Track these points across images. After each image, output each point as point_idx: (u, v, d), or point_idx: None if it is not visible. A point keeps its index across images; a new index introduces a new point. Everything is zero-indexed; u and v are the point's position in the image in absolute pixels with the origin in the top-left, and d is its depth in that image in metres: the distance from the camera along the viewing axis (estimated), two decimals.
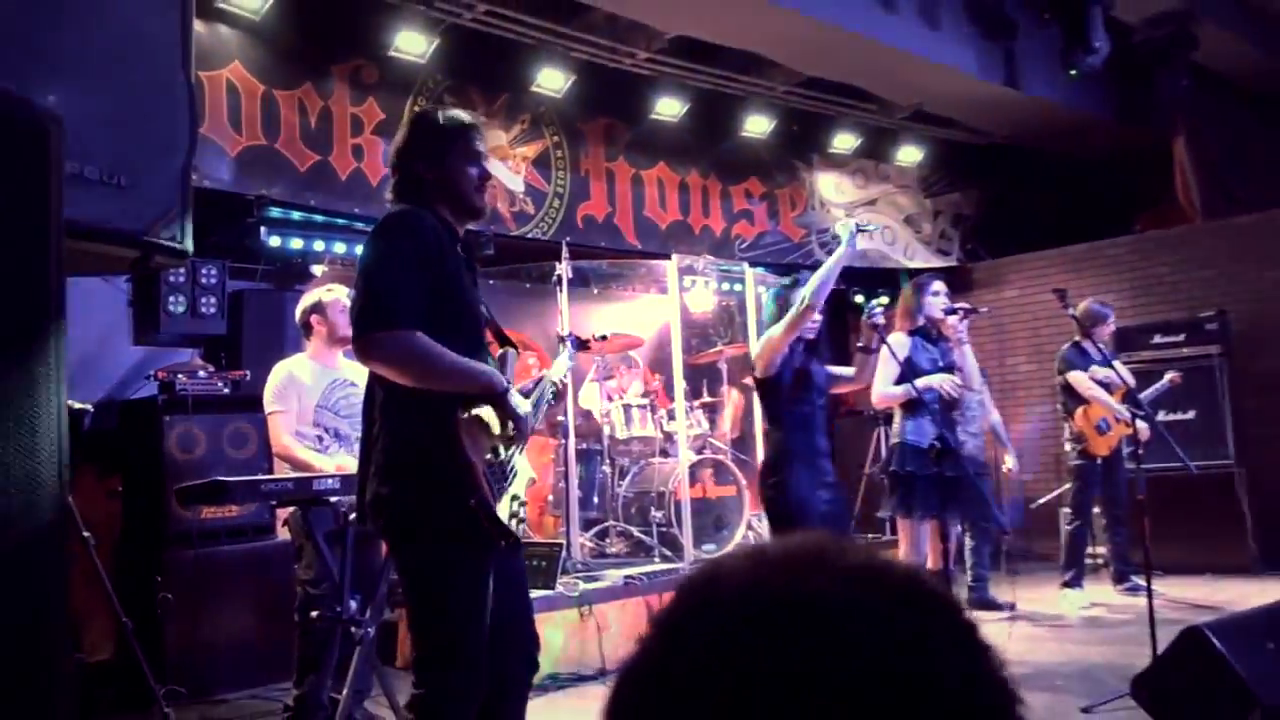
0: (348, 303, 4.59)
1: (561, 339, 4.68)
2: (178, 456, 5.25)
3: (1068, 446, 7.09)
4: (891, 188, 9.58)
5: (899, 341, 4.83)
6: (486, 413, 2.63)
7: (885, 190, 9.55)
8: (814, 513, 4.26)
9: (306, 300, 4.71)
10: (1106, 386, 6.90)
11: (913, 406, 4.78)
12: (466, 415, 2.58)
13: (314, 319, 4.63)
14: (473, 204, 2.81)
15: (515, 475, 2.80)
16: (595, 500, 7.28)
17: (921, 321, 5.04)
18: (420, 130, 2.79)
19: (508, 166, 7.42)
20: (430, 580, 2.58)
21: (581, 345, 4.08)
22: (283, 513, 4.94)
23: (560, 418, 6.74)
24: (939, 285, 5.18)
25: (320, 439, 4.54)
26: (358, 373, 4.63)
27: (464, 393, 2.61)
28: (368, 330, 2.47)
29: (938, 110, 8.74)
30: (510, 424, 2.66)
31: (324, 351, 4.64)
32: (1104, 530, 7.33)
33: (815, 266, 8.98)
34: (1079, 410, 6.91)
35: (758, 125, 8.49)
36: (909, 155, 9.47)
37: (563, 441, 6.74)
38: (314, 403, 4.55)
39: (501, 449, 2.70)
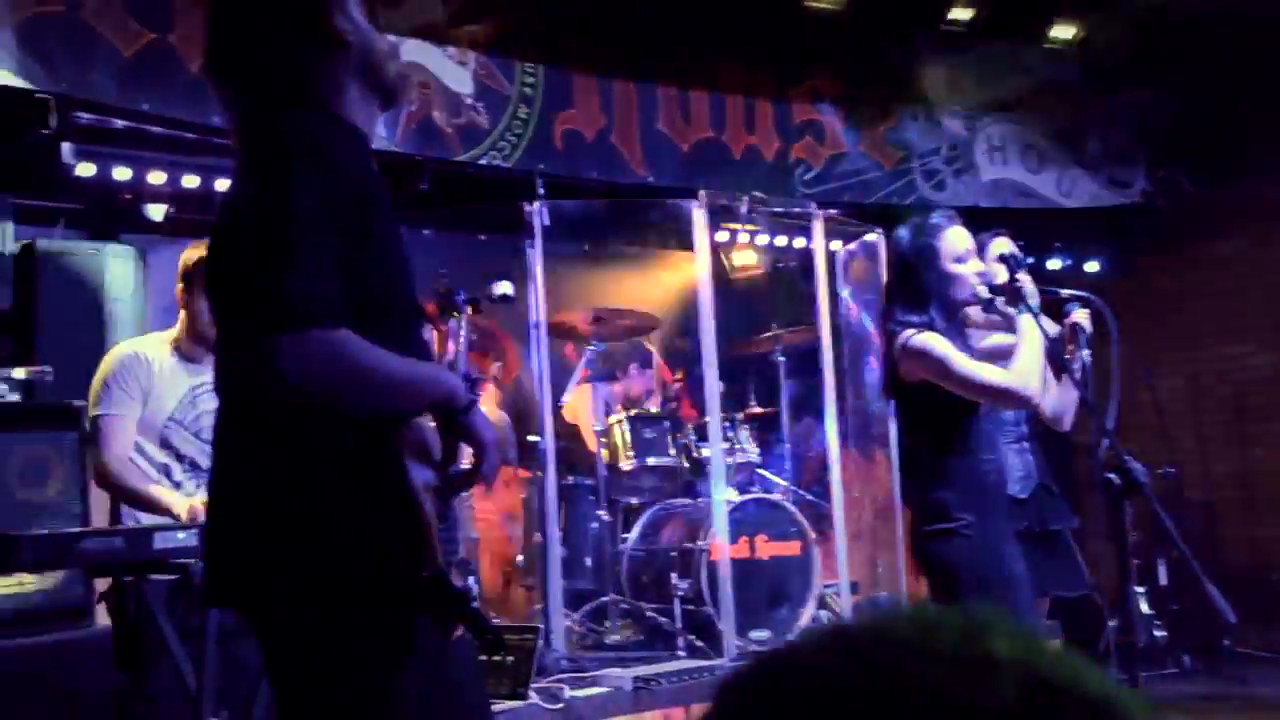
0: None
1: (447, 298, 4.55)
2: None
3: None
4: (1040, 83, 9.44)
5: None
6: (431, 435, 2.59)
7: (1029, 87, 9.42)
8: (1013, 577, 4.38)
9: (183, 257, 4.74)
10: None
11: None
12: (410, 438, 2.53)
13: (179, 291, 4.70)
14: (392, 79, 2.76)
15: (460, 529, 2.76)
16: (588, 563, 7.33)
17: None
18: None
19: (447, 55, 7.30)
20: (326, 697, 2.51)
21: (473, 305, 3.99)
22: (102, 583, 4.87)
23: (533, 437, 6.64)
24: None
25: (167, 469, 4.57)
26: None
27: (406, 414, 2.55)
28: (265, 333, 2.33)
29: None
30: (464, 453, 2.63)
31: (188, 339, 4.69)
32: None
33: (919, 206, 9.00)
34: None
35: None
36: (1068, 30, 9.34)
37: (538, 474, 6.69)
38: (168, 412, 4.57)
39: (447, 491, 2.68)
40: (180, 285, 4.65)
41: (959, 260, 4.46)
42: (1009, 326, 4.73)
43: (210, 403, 4.55)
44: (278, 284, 2.33)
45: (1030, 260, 4.72)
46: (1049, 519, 4.88)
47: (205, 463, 4.51)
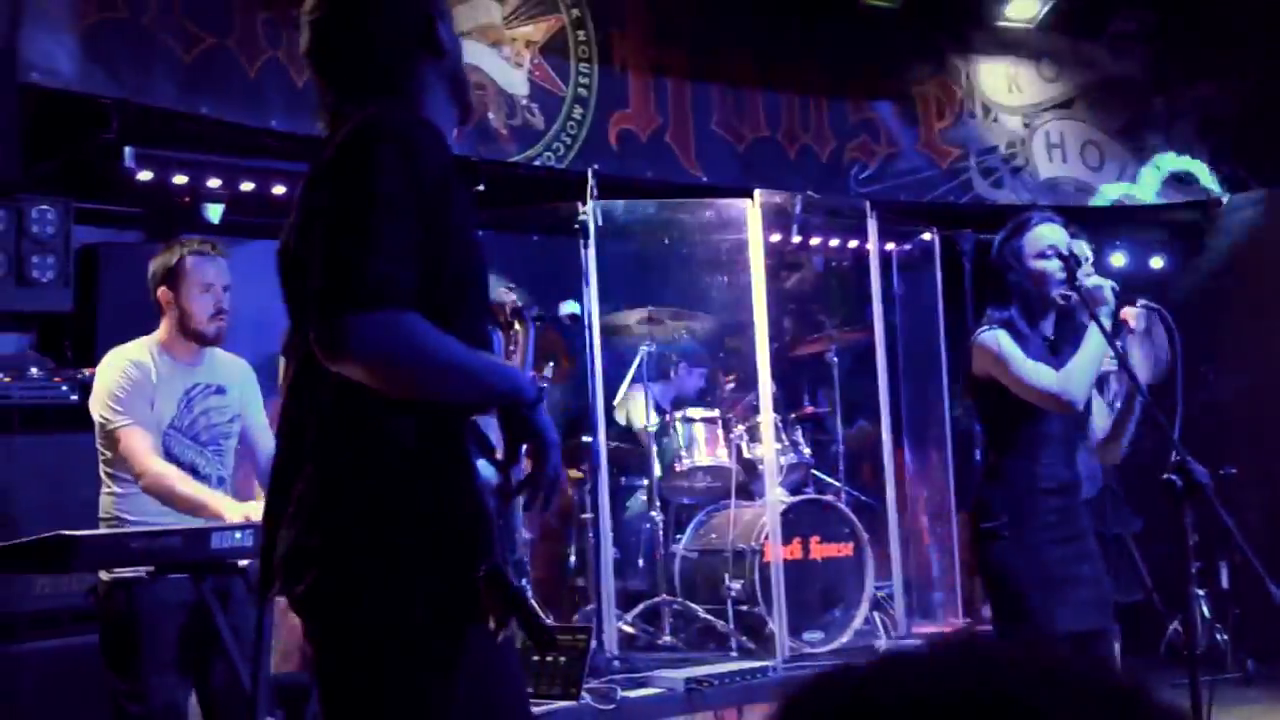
0: (219, 278, 4.66)
1: (517, 312, 4.60)
2: None
3: None
4: (1100, 78, 9.37)
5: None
6: (495, 435, 2.62)
7: (1089, 83, 9.36)
8: (1059, 578, 4.39)
9: (159, 257, 4.73)
10: None
11: None
12: (474, 435, 2.57)
13: (161, 293, 4.65)
14: (470, 94, 2.90)
15: (518, 530, 2.78)
16: (639, 564, 7.36)
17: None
18: None
19: (503, 56, 7.34)
20: (372, 695, 2.54)
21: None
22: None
23: (585, 438, 6.66)
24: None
25: None
26: (228, 371, 4.62)
27: (472, 403, 2.59)
28: (337, 312, 2.40)
29: None
30: (525, 452, 2.63)
31: (178, 341, 4.67)
32: None
33: (975, 206, 8.98)
34: None
35: None
36: (1129, 24, 9.22)
37: (590, 475, 6.68)
38: (167, 420, 4.58)
39: (508, 493, 2.70)
40: (163, 287, 4.61)
41: (1042, 256, 4.45)
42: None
43: (205, 402, 4.63)
44: (357, 264, 2.39)
45: (1088, 257, 4.71)
46: (1111, 522, 4.87)
47: (205, 468, 4.57)
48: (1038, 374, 4.38)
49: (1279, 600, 4.46)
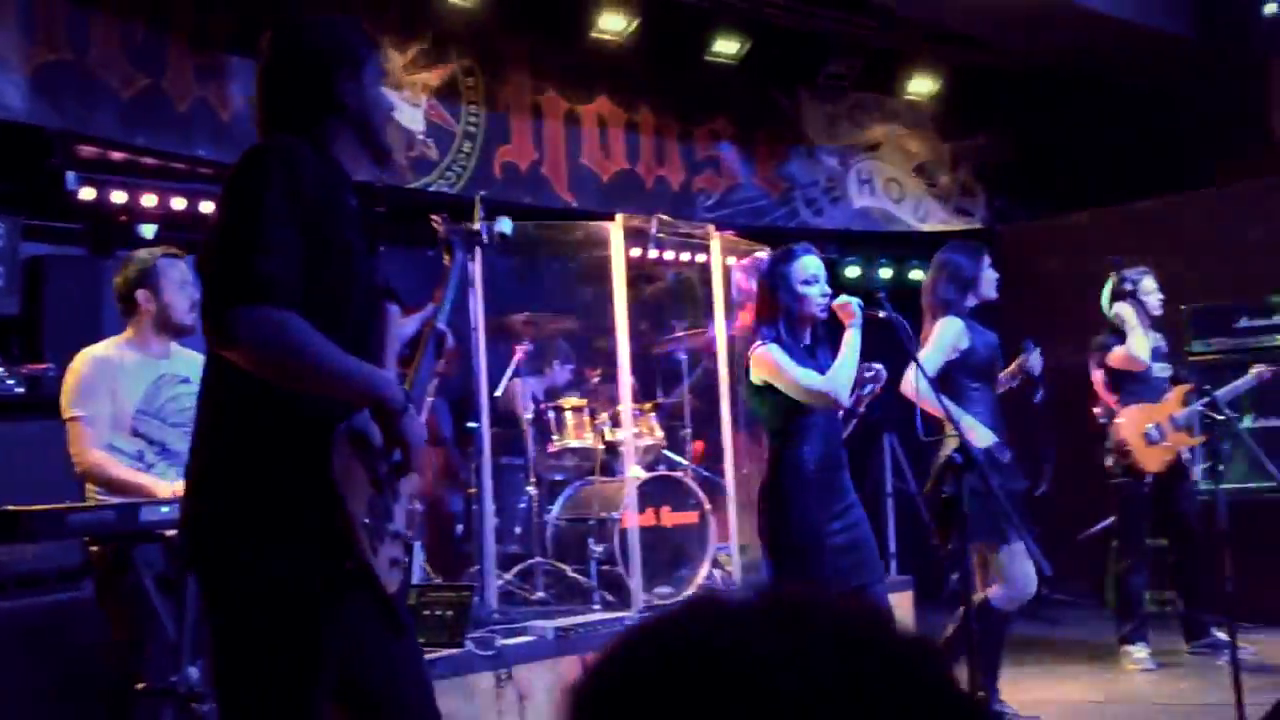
0: (189, 275, 4.55)
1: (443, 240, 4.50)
2: None
3: (1109, 461, 7.04)
4: (900, 128, 9.59)
5: (954, 329, 5.14)
6: (371, 428, 2.58)
7: (891, 131, 9.55)
8: (828, 546, 4.53)
9: (132, 265, 4.56)
10: (1164, 381, 6.91)
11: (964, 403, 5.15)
12: (347, 430, 2.52)
13: (141, 295, 4.51)
14: (385, 142, 2.87)
15: (394, 515, 2.76)
16: (517, 530, 7.33)
17: (973, 301, 5.43)
18: (322, 39, 2.79)
19: (402, 97, 7.30)
20: (248, 642, 2.55)
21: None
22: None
23: (471, 424, 6.63)
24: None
25: (141, 455, 4.44)
26: (192, 365, 4.51)
27: (345, 401, 2.56)
28: (227, 304, 2.40)
29: (961, 27, 8.69)
30: (398, 450, 2.62)
31: (150, 338, 4.51)
32: (1173, 570, 7.29)
33: (800, 230, 9.09)
34: (1122, 414, 6.90)
35: (727, 46, 8.44)
36: (922, 85, 9.44)
37: (475, 455, 6.65)
38: (134, 405, 4.45)
39: (384, 480, 2.67)
40: (142, 289, 4.46)
41: (806, 283, 4.58)
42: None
43: (173, 389, 4.50)
44: (246, 262, 2.38)
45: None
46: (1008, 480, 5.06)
47: (175, 444, 4.43)
48: (809, 378, 4.51)
49: (1037, 558, 4.61)
